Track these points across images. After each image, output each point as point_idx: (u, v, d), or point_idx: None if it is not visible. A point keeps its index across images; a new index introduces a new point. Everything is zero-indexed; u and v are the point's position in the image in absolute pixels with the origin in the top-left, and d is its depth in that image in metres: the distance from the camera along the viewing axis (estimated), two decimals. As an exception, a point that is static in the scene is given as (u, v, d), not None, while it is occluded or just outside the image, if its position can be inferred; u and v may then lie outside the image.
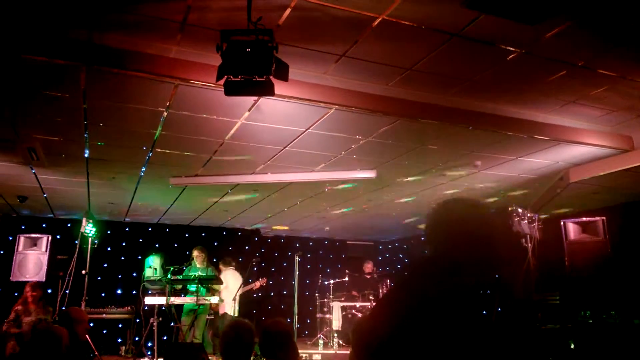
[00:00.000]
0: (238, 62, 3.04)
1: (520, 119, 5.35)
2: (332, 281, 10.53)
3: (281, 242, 13.07)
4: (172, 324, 8.37)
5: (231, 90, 3.20)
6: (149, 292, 8.43)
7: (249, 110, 4.83)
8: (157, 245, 11.13)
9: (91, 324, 9.39)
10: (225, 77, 3.18)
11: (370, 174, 6.78)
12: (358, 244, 13.95)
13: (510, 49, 3.97)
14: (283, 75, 3.19)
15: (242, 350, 2.86)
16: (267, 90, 3.20)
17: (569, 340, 6.09)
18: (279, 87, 3.85)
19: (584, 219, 6.42)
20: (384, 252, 14.19)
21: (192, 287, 7.96)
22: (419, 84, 4.63)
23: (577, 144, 5.75)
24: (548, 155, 6.20)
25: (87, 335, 6.74)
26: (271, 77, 3.14)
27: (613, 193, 7.72)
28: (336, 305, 9.99)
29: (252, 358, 3.02)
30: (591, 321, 5.87)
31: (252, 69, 3.05)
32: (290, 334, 3.41)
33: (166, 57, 3.99)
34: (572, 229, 6.27)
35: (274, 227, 11.04)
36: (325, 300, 10.45)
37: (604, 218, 6.28)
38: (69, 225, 10.42)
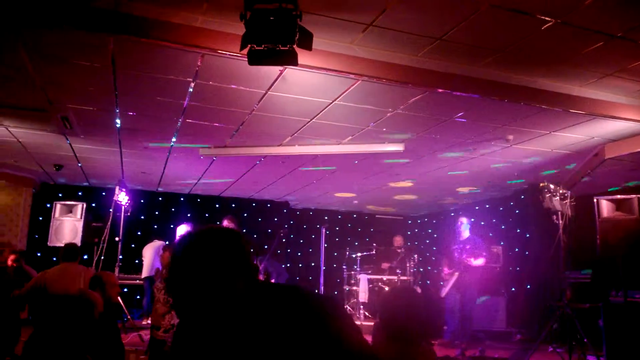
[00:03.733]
0: (261, 31, 3.01)
1: (554, 92, 5.16)
2: (359, 254, 10.59)
3: (310, 214, 13.16)
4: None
5: (254, 59, 3.18)
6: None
7: (275, 80, 4.81)
8: (188, 215, 11.36)
9: (125, 289, 9.76)
10: (249, 46, 3.16)
11: (398, 147, 6.71)
12: (387, 218, 13.92)
13: (546, 18, 3.81)
14: (307, 45, 3.15)
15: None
16: (290, 59, 3.17)
17: (598, 319, 5.98)
18: (304, 57, 3.82)
19: (618, 196, 6.21)
20: (413, 227, 14.13)
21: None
22: (450, 54, 4.50)
23: (613, 119, 5.54)
24: (583, 130, 6.00)
25: (119, 299, 7.01)
26: (295, 47, 3.11)
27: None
28: (363, 278, 10.05)
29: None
30: (622, 300, 5.73)
31: (275, 37, 3.02)
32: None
33: (192, 27, 3.98)
34: (605, 206, 6.07)
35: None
36: (353, 272, 10.52)
37: (639, 196, 6.06)
38: (103, 193, 10.71)
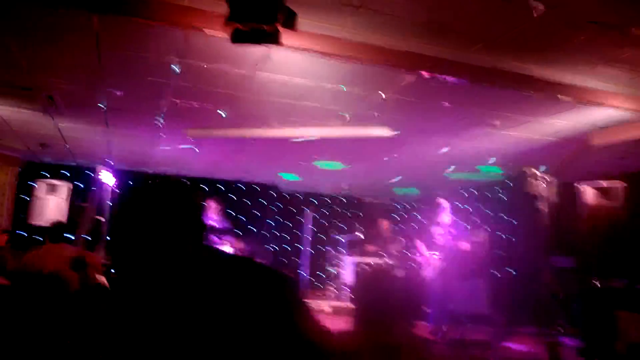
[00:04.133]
0: (244, 10, 2.96)
1: (545, 79, 5.14)
2: (346, 237, 10.65)
3: (299, 198, 13.14)
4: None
5: (238, 38, 3.13)
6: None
7: (262, 61, 4.75)
8: (176, 196, 11.25)
9: (112, 270, 9.71)
10: (233, 25, 3.11)
11: (385, 132, 6.69)
12: (375, 203, 13.94)
13: (538, 4, 3.78)
14: (291, 25, 3.10)
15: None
16: (274, 39, 3.12)
17: (578, 305, 6.07)
18: (293, 38, 3.77)
19: (603, 183, 6.25)
20: (401, 211, 14.16)
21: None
22: (440, 39, 4.46)
23: (601, 106, 5.54)
24: (571, 117, 6.00)
25: (104, 280, 6.98)
26: (278, 26, 3.06)
27: (638, 159, 7.50)
28: (349, 261, 10.13)
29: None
30: (601, 286, 5.81)
31: (258, 17, 2.97)
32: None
33: (178, 5, 3.90)
34: (589, 193, 6.11)
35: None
36: (339, 255, 10.60)
37: (624, 183, 6.10)
38: (90, 173, 10.58)
